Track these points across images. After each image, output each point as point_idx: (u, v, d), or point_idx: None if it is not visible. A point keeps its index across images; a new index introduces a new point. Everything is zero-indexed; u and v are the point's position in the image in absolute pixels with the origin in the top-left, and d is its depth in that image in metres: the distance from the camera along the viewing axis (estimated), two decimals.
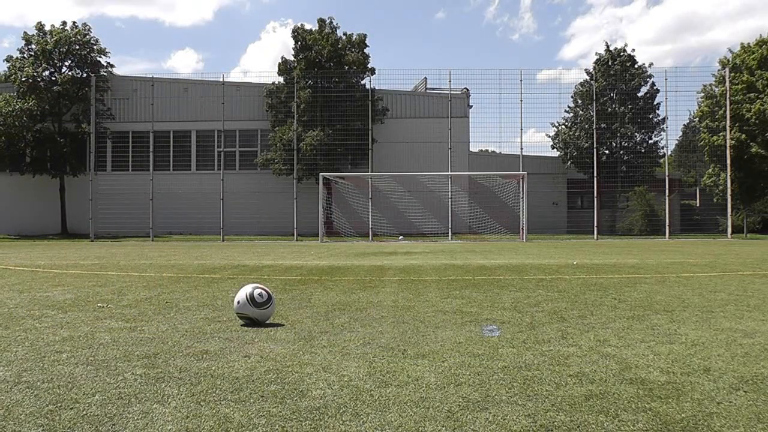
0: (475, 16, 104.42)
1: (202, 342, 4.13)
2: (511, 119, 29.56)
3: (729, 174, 28.21)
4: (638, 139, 31.55)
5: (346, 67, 30.72)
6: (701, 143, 31.11)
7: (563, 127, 32.46)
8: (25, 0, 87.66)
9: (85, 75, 31.08)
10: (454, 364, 3.42)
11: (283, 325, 4.78)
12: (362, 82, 31.26)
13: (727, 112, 28.40)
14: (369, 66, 31.21)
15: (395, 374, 3.21)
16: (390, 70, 49.66)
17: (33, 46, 30.97)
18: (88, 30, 31.71)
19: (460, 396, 2.81)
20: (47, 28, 31.31)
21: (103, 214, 29.87)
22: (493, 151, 34.88)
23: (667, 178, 28.67)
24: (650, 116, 31.42)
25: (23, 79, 29.64)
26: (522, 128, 29.31)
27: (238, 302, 4.74)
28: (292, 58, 31.44)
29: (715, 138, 29.54)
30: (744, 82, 29.03)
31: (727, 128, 28.37)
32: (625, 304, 5.87)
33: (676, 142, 36.47)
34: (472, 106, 32.79)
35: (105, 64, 31.94)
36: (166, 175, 31.32)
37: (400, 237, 27.65)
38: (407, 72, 45.73)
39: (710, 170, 31.25)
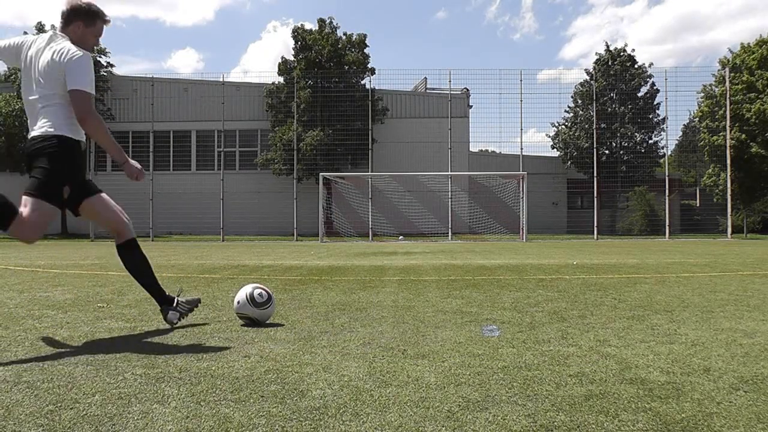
0: (476, 15, 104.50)
1: (202, 342, 4.13)
2: (511, 119, 29.63)
3: (729, 174, 28.22)
4: (638, 139, 31.56)
5: (346, 67, 30.73)
6: (701, 143, 31.13)
7: (563, 127, 32.47)
8: (25, 0, 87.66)
9: None
10: (454, 364, 3.42)
11: (283, 325, 4.78)
12: (362, 82, 31.28)
13: (727, 112, 28.40)
14: (369, 66, 31.22)
15: (395, 374, 3.21)
16: (390, 70, 49.73)
17: None
18: None
19: (460, 396, 2.81)
20: (47, 27, 31.29)
21: None
22: (493, 151, 34.92)
23: (667, 178, 28.68)
24: (650, 116, 31.45)
25: None
26: (522, 128, 29.37)
27: (238, 302, 4.73)
28: (292, 58, 31.45)
29: (715, 138, 29.55)
30: (744, 82, 29.05)
31: (727, 128, 28.37)
32: (625, 304, 5.87)
33: (676, 142, 36.59)
34: (472, 106, 32.83)
35: (105, 64, 31.96)
36: (166, 175, 31.32)
37: (400, 237, 27.64)
38: (407, 72, 45.90)
39: (710, 170, 31.28)
